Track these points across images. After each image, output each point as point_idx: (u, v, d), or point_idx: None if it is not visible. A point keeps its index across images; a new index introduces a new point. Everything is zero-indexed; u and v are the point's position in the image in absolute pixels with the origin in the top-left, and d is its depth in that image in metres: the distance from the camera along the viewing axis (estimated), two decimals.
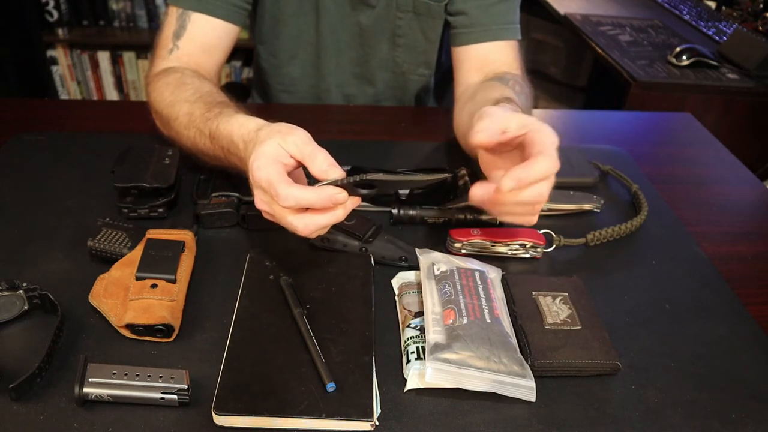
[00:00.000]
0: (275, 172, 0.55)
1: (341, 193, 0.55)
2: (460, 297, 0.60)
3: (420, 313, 0.61)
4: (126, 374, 0.52)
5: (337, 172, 0.56)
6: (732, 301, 0.69)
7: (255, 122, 0.63)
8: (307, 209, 0.56)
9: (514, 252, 0.72)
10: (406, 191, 0.77)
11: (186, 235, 0.67)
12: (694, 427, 0.54)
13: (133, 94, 2.49)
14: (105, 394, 0.51)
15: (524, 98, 0.83)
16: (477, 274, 0.64)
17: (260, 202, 0.58)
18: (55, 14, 2.27)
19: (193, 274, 0.65)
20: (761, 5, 2.03)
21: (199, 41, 0.86)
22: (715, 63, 1.71)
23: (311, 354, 0.55)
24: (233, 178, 0.76)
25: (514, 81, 0.85)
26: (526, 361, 0.56)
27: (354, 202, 0.57)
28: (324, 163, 0.56)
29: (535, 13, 2.25)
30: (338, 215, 0.56)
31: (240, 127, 0.63)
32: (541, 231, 0.73)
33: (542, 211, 0.79)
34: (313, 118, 1.02)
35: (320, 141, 0.59)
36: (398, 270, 0.69)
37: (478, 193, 0.60)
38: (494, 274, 0.66)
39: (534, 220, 0.62)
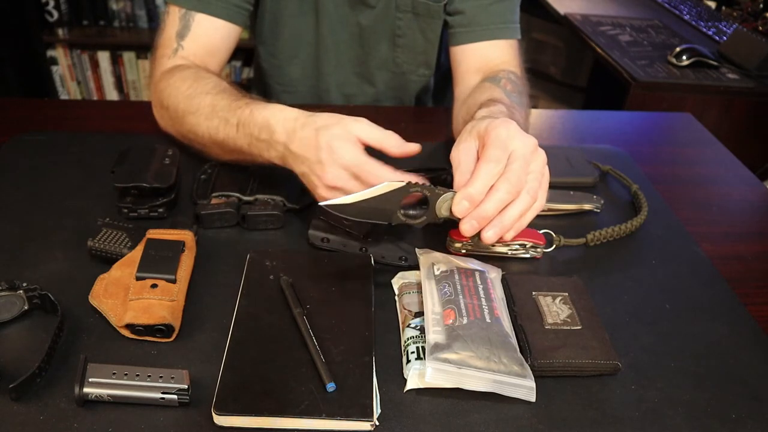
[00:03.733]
0: (360, 152, 0.61)
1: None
2: (460, 297, 0.60)
3: (420, 313, 0.61)
4: (126, 374, 0.52)
5: (413, 146, 0.61)
6: (732, 301, 0.69)
7: (295, 111, 0.66)
8: None
9: (514, 252, 0.72)
10: None
11: (186, 235, 0.67)
12: (694, 427, 0.54)
13: (133, 94, 2.49)
14: (105, 394, 0.51)
15: (516, 96, 0.82)
16: (477, 274, 0.64)
17: (337, 179, 0.61)
18: (55, 14, 2.27)
19: (193, 274, 0.65)
20: (761, 5, 2.03)
21: (202, 41, 0.86)
22: (715, 63, 1.71)
23: (311, 354, 0.55)
24: (234, 177, 0.77)
25: (506, 80, 0.85)
26: (526, 361, 0.56)
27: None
28: (399, 140, 0.61)
29: (535, 13, 2.25)
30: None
31: (280, 112, 0.66)
32: (541, 231, 0.73)
33: (542, 211, 0.79)
34: None
35: None
36: (398, 270, 0.69)
37: (468, 228, 0.57)
38: (494, 274, 0.66)
39: (541, 205, 0.61)
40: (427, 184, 0.59)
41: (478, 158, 0.59)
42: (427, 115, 1.10)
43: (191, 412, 0.52)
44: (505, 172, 0.57)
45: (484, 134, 0.60)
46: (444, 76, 1.13)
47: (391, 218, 0.57)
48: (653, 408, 0.56)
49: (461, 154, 0.61)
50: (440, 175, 0.79)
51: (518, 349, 0.57)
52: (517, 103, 0.81)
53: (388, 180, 0.58)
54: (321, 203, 0.57)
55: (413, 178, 0.59)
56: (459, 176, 0.59)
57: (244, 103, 0.71)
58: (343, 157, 0.61)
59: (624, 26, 1.98)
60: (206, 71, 0.82)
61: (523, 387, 0.54)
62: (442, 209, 0.56)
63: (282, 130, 0.65)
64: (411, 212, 0.58)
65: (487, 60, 0.92)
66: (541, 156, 0.61)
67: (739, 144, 1.17)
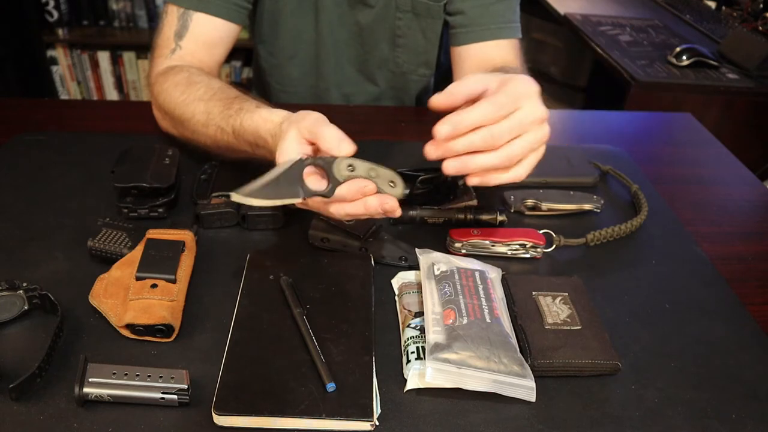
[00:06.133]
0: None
1: (368, 186, 0.56)
2: (460, 297, 0.60)
3: (420, 313, 0.61)
4: (126, 374, 0.52)
5: (347, 147, 0.57)
6: (732, 301, 0.69)
7: (278, 115, 0.64)
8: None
9: (514, 252, 0.72)
10: (407, 191, 0.77)
11: (186, 235, 0.67)
12: (694, 427, 0.54)
13: (133, 94, 2.49)
14: (105, 394, 0.51)
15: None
16: (477, 274, 0.64)
17: None
18: (55, 14, 2.28)
19: (193, 274, 0.65)
20: (761, 5, 2.03)
21: (201, 41, 0.86)
22: (715, 63, 1.71)
23: (311, 354, 0.55)
24: (234, 177, 0.76)
25: (515, 71, 0.85)
26: (526, 361, 0.56)
27: (392, 203, 0.57)
28: (333, 140, 0.57)
29: (535, 13, 2.25)
30: (369, 205, 0.57)
31: (265, 122, 0.65)
32: (541, 231, 0.73)
33: (542, 211, 0.80)
34: None
35: None
36: (398, 270, 0.69)
37: (430, 150, 0.57)
38: (494, 274, 0.66)
39: (519, 174, 0.58)
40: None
41: (477, 96, 0.58)
42: (427, 115, 1.10)
43: (191, 412, 0.52)
44: (498, 125, 0.55)
45: (503, 81, 0.58)
46: (444, 75, 1.13)
47: (298, 194, 0.57)
48: (653, 408, 0.56)
49: (470, 78, 0.58)
50: (440, 176, 0.79)
51: (518, 349, 0.57)
52: None
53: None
54: (233, 198, 0.57)
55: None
56: (452, 86, 0.57)
57: (235, 110, 0.70)
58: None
59: (624, 26, 1.98)
60: (199, 72, 0.82)
61: (523, 387, 0.54)
62: (340, 172, 0.56)
63: (271, 139, 0.65)
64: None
65: (490, 59, 0.92)
66: (543, 131, 0.58)
67: (739, 144, 1.17)
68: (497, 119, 0.55)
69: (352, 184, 0.56)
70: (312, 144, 0.59)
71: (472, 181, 0.59)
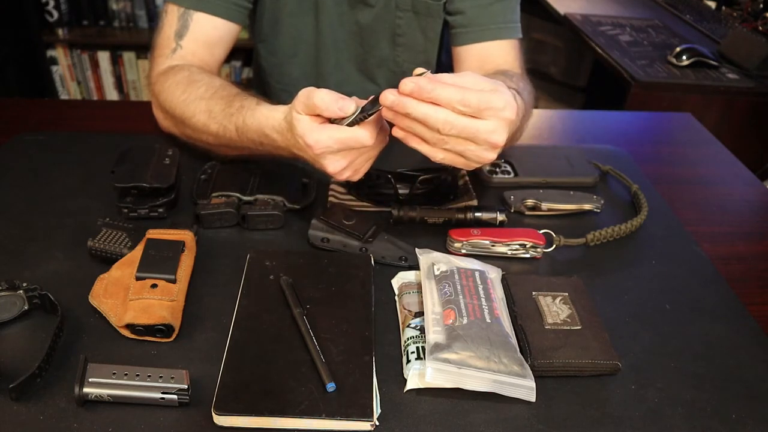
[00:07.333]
0: (330, 131, 0.60)
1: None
2: (460, 297, 0.60)
3: (420, 313, 0.61)
4: (126, 374, 0.52)
5: (347, 105, 0.59)
6: (732, 301, 0.69)
7: (280, 111, 0.66)
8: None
9: (514, 252, 0.72)
10: (406, 191, 0.77)
11: (186, 235, 0.67)
12: (694, 427, 0.54)
13: (133, 94, 2.49)
14: (105, 394, 0.51)
15: (526, 94, 0.83)
16: (477, 274, 0.64)
17: (337, 164, 0.62)
18: (55, 14, 2.27)
19: (193, 274, 0.65)
20: (761, 5, 2.03)
21: (201, 40, 0.86)
22: (715, 63, 1.71)
23: (311, 354, 0.55)
24: (234, 177, 0.77)
25: (517, 78, 0.85)
26: (526, 361, 0.56)
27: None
28: (331, 104, 0.58)
29: (535, 13, 2.25)
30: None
31: (267, 120, 0.67)
32: (541, 231, 0.73)
33: (542, 211, 0.80)
34: None
35: None
36: (398, 270, 0.69)
37: (388, 96, 0.56)
38: (494, 274, 0.66)
39: (434, 155, 0.60)
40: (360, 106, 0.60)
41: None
42: None
43: (191, 412, 0.52)
44: (455, 116, 0.56)
45: (494, 89, 0.58)
46: None
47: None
48: (653, 408, 0.56)
49: (468, 75, 0.58)
50: (440, 175, 0.79)
51: (518, 349, 0.57)
52: (526, 98, 0.80)
53: (362, 130, 0.60)
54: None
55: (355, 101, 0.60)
56: (447, 77, 0.57)
57: (236, 108, 0.72)
58: (325, 147, 0.60)
59: (624, 26, 1.98)
60: (200, 71, 0.82)
61: (523, 387, 0.54)
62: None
63: (277, 135, 0.66)
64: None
65: (489, 59, 0.92)
66: (488, 154, 0.60)
67: (739, 144, 1.17)
68: (455, 110, 0.56)
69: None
70: (317, 116, 0.60)
71: (396, 133, 0.60)
